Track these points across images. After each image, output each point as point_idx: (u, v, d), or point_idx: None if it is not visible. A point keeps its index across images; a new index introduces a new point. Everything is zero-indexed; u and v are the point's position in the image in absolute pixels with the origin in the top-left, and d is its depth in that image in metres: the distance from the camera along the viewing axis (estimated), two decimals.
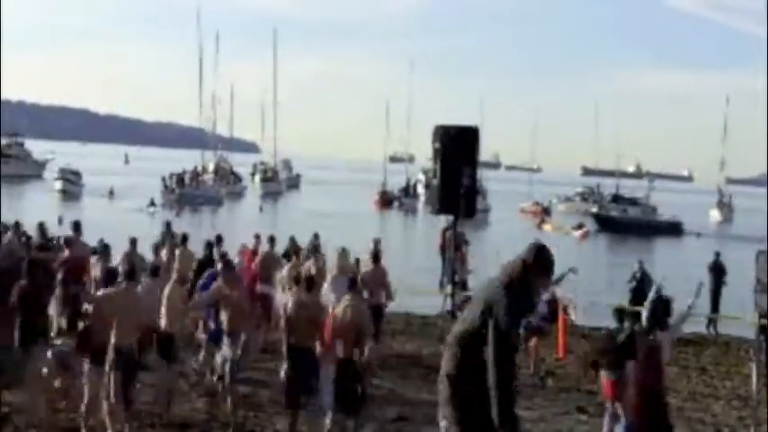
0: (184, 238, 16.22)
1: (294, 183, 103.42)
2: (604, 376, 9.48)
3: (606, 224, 62.98)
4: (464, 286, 20.02)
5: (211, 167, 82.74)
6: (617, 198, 71.48)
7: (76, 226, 15.66)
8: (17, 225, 17.50)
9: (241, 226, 26.60)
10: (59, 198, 64.86)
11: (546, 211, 75.24)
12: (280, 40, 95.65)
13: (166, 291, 10.98)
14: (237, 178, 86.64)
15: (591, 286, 24.81)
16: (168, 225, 19.28)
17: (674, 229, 63.64)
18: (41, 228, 17.32)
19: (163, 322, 10.71)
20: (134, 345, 9.53)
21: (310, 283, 10.26)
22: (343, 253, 13.79)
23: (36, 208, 45.26)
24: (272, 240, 16.43)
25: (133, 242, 15.73)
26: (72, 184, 70.92)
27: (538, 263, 5.80)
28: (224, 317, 10.52)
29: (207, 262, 14.61)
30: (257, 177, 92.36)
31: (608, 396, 9.61)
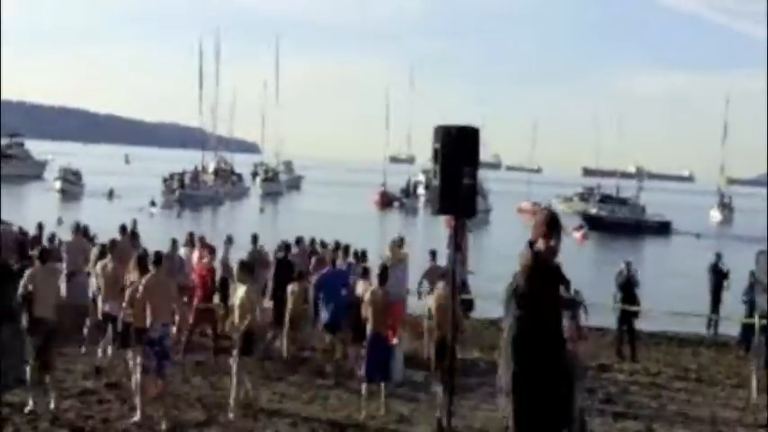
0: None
1: (295, 183, 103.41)
2: None
3: (596, 224, 62.97)
4: (464, 286, 20.02)
5: (212, 168, 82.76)
6: (606, 198, 71.45)
7: (123, 229, 17.47)
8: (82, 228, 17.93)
9: (241, 227, 26.61)
10: (59, 198, 64.86)
11: None
12: (280, 41, 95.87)
13: (241, 290, 11.19)
14: (239, 179, 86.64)
15: (587, 287, 24.74)
16: (128, 223, 19.32)
17: (662, 229, 63.70)
18: (86, 229, 18.33)
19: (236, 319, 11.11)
20: (54, 318, 10.72)
21: (384, 276, 11.94)
22: (399, 243, 16.36)
23: (35, 208, 45.27)
24: (298, 241, 17.91)
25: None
26: (72, 184, 70.92)
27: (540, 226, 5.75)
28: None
29: (284, 262, 16.00)
30: (258, 178, 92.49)
31: None
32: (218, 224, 48.92)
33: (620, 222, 63.67)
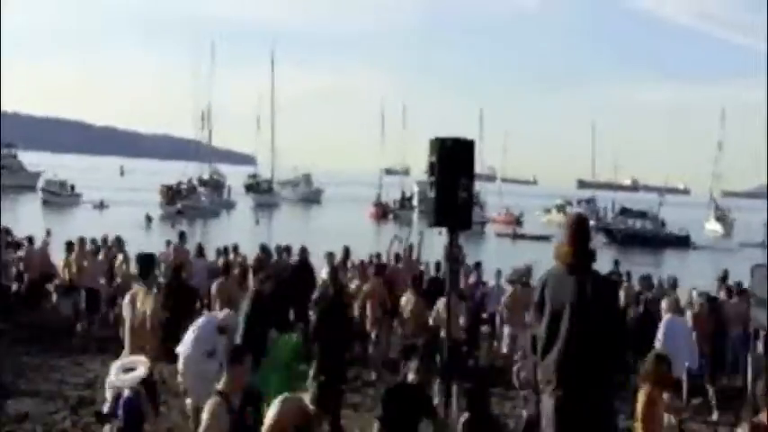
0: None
1: (315, 197, 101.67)
2: None
3: (614, 237, 62.87)
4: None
5: (204, 179, 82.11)
6: (625, 211, 71.32)
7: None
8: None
9: (239, 237, 26.80)
10: (42, 209, 64.04)
11: (518, 221, 75.37)
12: (276, 52, 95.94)
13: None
14: (226, 190, 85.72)
15: None
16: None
17: (682, 243, 63.87)
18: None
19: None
20: None
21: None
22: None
23: (23, 219, 44.92)
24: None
25: None
26: (55, 195, 70.55)
27: None
28: None
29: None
30: (246, 189, 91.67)
31: None
32: (220, 235, 48.44)
33: (639, 235, 63.65)
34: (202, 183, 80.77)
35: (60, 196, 71.52)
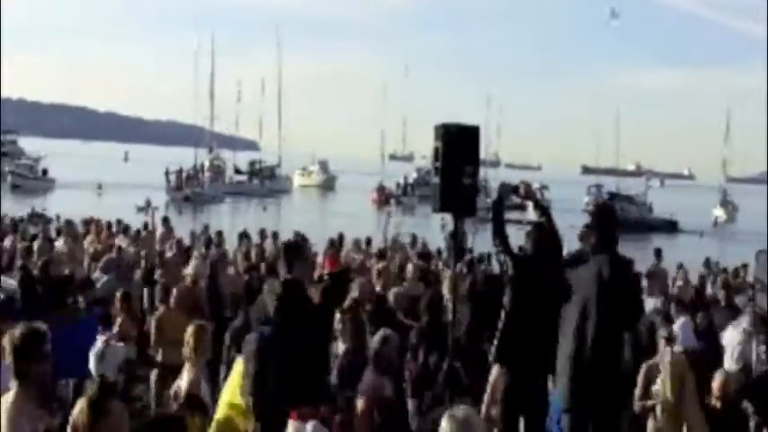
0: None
1: (330, 184, 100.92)
2: None
3: None
4: None
5: (207, 165, 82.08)
6: (613, 196, 71.35)
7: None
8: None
9: (250, 223, 26.84)
10: (10, 192, 61.40)
11: (522, 208, 75.22)
12: (278, 38, 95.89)
13: None
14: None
15: None
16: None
17: (669, 228, 63.82)
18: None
19: None
20: None
21: None
22: None
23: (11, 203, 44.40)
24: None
25: None
26: (24, 179, 69.29)
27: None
28: None
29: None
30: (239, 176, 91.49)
31: None
32: (232, 221, 48.03)
33: (626, 220, 63.61)
34: (237, 170, 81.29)
35: (30, 180, 69.79)
